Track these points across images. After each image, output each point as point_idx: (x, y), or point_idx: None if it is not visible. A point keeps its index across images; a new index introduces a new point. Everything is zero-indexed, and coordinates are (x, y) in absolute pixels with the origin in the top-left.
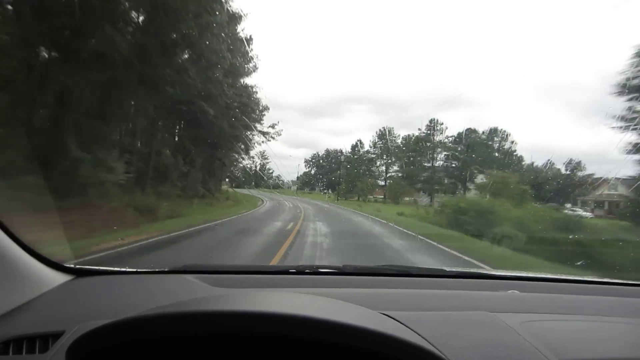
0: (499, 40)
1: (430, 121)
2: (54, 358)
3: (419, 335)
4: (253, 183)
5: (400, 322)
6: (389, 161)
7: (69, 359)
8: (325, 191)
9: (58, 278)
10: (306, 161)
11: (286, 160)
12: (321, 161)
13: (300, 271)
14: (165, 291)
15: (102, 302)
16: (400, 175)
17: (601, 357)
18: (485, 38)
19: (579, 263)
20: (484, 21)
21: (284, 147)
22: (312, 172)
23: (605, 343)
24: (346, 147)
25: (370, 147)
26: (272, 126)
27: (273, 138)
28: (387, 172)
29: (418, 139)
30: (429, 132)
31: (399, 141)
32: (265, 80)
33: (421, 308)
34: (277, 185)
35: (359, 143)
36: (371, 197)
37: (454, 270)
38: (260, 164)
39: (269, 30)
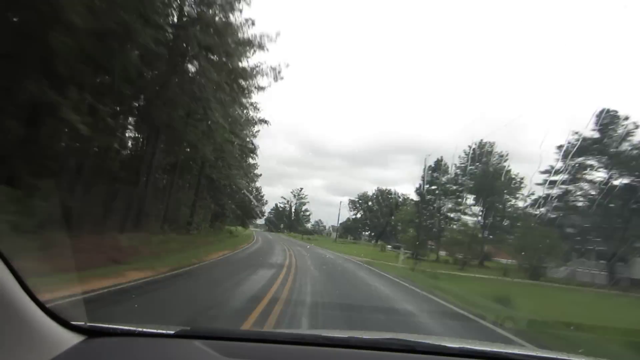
0: (547, 93)
1: (603, 113)
2: None
3: None
4: (282, 226)
5: None
6: (489, 198)
7: None
8: (380, 243)
9: (70, 339)
10: (351, 202)
11: (329, 207)
12: (370, 203)
13: (306, 342)
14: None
15: None
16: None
17: None
18: (535, 92)
19: None
20: (533, 73)
21: (326, 194)
22: (358, 216)
23: None
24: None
25: (459, 173)
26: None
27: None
28: (485, 217)
29: (576, 146)
30: (600, 128)
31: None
32: (310, 125)
33: None
34: (313, 231)
35: (441, 163)
36: (446, 255)
37: (456, 347)
38: (295, 204)
39: (316, 76)
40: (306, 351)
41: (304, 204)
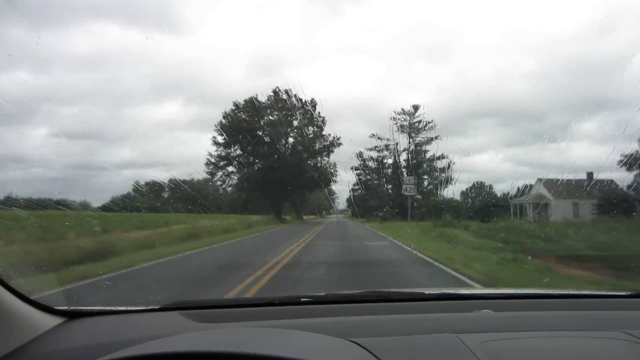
0: None
1: None
2: None
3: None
4: (417, 202)
5: (365, 349)
6: None
7: None
8: None
9: (50, 321)
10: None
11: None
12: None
13: (284, 302)
14: (155, 330)
15: (94, 346)
16: None
17: None
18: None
19: None
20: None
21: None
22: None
23: (561, 358)
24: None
25: None
26: None
27: None
28: None
29: None
30: None
31: None
32: (392, 93)
33: (392, 333)
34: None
35: None
36: None
37: (433, 292)
38: (409, 143)
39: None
40: (282, 310)
41: (431, 140)
